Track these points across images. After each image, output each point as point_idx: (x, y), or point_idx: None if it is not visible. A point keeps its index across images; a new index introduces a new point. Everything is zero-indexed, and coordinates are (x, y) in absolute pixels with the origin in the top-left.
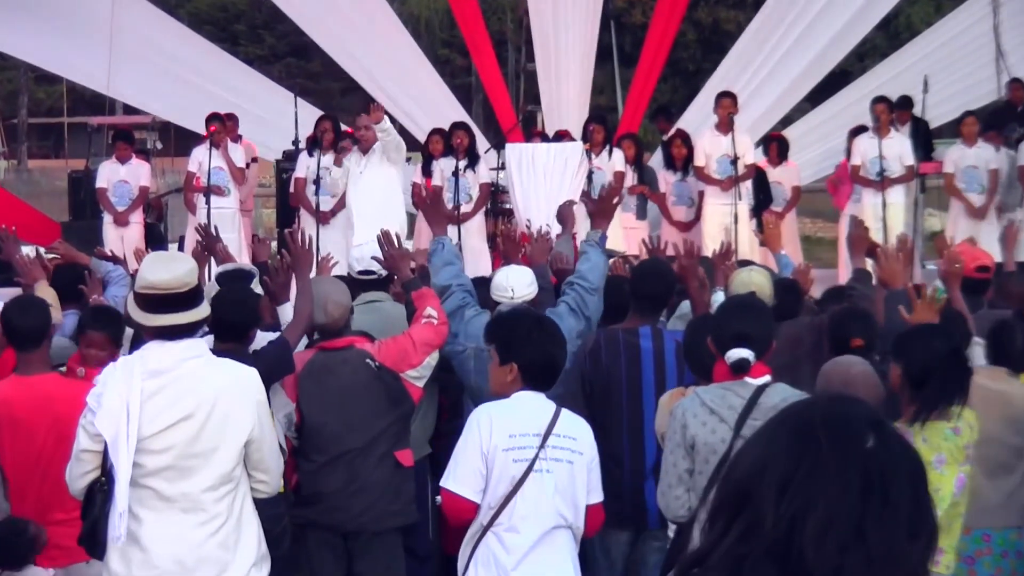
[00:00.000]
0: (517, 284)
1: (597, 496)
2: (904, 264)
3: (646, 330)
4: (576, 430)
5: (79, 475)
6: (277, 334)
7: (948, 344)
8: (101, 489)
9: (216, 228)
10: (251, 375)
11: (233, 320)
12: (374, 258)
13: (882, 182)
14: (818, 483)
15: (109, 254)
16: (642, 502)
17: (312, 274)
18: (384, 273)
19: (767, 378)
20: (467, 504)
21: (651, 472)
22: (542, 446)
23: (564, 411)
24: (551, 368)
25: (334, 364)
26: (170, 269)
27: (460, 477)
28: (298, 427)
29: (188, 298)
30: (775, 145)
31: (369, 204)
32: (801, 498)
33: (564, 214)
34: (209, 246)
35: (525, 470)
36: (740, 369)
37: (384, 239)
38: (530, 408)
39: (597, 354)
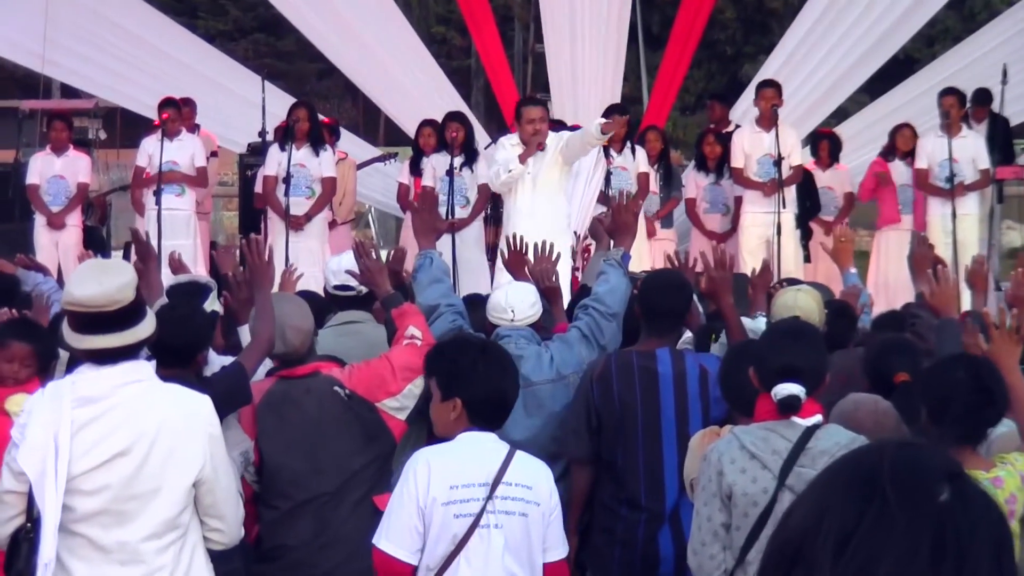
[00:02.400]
0: (518, 304)
1: (558, 552)
2: (980, 290)
3: (664, 353)
4: (532, 476)
5: (2, 521)
6: (232, 359)
7: (972, 373)
8: (27, 537)
9: (148, 233)
10: (202, 404)
11: (174, 343)
12: (348, 272)
13: (952, 190)
14: (882, 541)
15: (32, 263)
16: (655, 552)
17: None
18: (364, 290)
19: (818, 418)
20: (402, 566)
21: (669, 518)
22: (490, 497)
23: (519, 454)
24: (500, 404)
25: (297, 394)
26: (100, 283)
27: (394, 535)
28: (257, 469)
29: (123, 317)
30: (826, 144)
31: (545, 211)
32: (862, 558)
33: (597, 230)
34: (143, 257)
35: (469, 526)
36: (789, 408)
37: (359, 249)
38: (476, 452)
39: (607, 381)
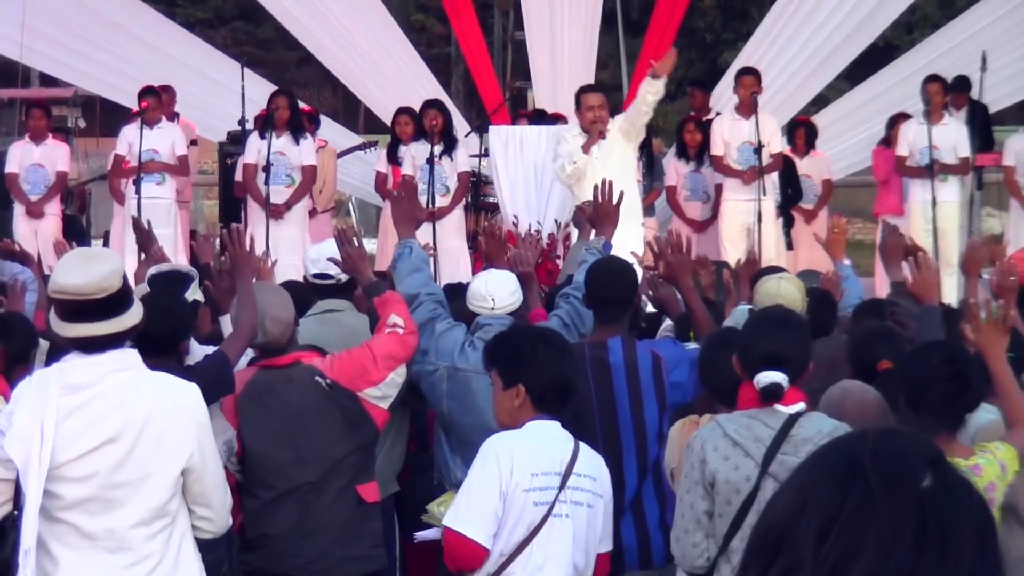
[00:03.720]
0: (498, 292)
1: (608, 544)
2: (974, 272)
3: (615, 343)
4: (597, 468)
5: None
6: (214, 348)
7: (947, 360)
8: (14, 525)
9: (149, 222)
10: (190, 392)
11: (156, 332)
12: (331, 259)
13: (932, 169)
14: (865, 526)
15: (16, 248)
16: (617, 541)
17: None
18: (345, 278)
19: (801, 406)
20: (479, 550)
21: (630, 507)
22: (562, 486)
23: (583, 446)
24: (563, 389)
25: (278, 384)
26: (86, 271)
27: (472, 518)
28: (240, 458)
29: (110, 305)
30: (801, 131)
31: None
32: (845, 543)
33: (580, 219)
34: (144, 245)
35: (544, 514)
36: (771, 396)
37: (342, 236)
38: (548, 441)
39: None
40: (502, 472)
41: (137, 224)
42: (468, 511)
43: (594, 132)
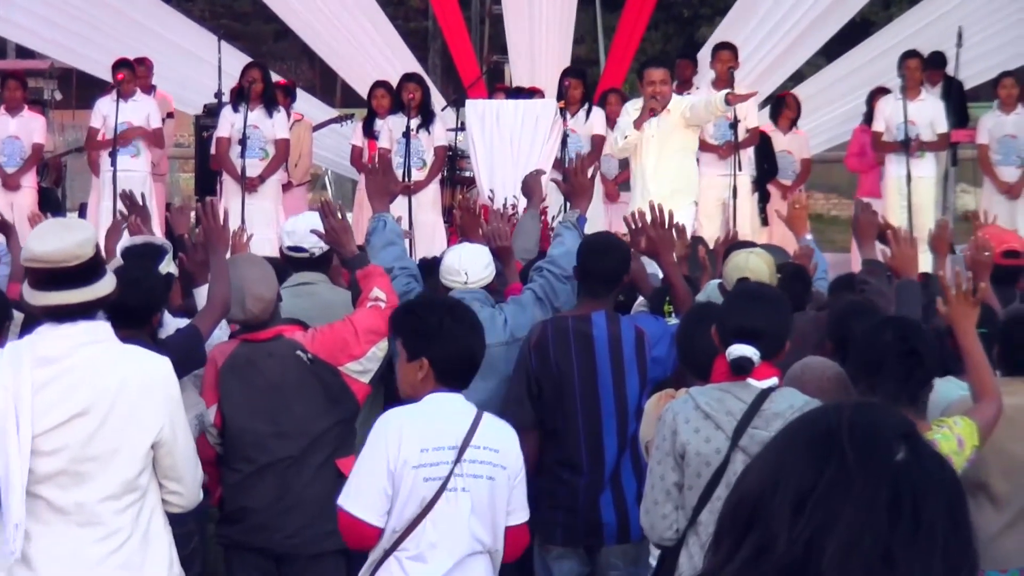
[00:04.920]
0: (471, 267)
1: (521, 516)
2: (942, 254)
3: (599, 316)
4: (499, 440)
5: None
6: (187, 321)
7: (899, 336)
8: None
9: (144, 196)
10: (161, 365)
11: (129, 303)
12: (314, 231)
13: (907, 144)
14: (840, 500)
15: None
16: (596, 516)
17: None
18: (319, 251)
19: (774, 381)
20: (370, 530)
21: (609, 481)
22: (458, 460)
23: (486, 416)
24: (468, 363)
25: (259, 358)
26: (60, 239)
27: (362, 498)
28: (220, 431)
29: (83, 273)
30: (785, 107)
31: (669, 173)
32: (820, 516)
33: (531, 186)
34: (132, 212)
35: (437, 490)
36: (740, 369)
37: (325, 209)
38: (446, 414)
39: (544, 348)
40: (389, 450)
41: (129, 197)
42: (357, 491)
43: (646, 108)
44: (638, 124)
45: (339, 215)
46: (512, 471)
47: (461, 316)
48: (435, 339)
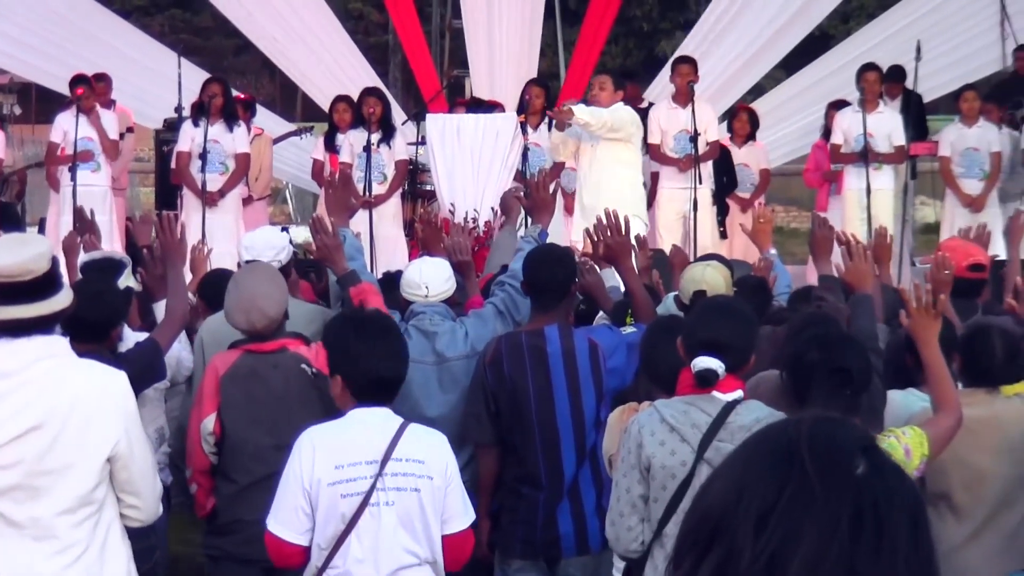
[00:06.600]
0: (432, 280)
1: (460, 522)
2: (884, 261)
3: (552, 330)
4: (424, 450)
5: None
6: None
7: (826, 356)
8: None
9: (92, 211)
10: (117, 379)
11: (88, 317)
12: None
13: (865, 155)
14: (802, 515)
15: None
16: (554, 528)
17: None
18: (277, 265)
19: (739, 394)
20: (290, 548)
21: (567, 494)
22: (379, 474)
23: (411, 427)
24: (377, 382)
25: (263, 369)
26: (15, 253)
27: (282, 517)
28: (218, 441)
29: (38, 287)
30: (744, 119)
31: (604, 182)
32: (783, 532)
33: (508, 203)
34: (84, 231)
35: (358, 506)
36: (705, 382)
37: (316, 225)
38: (364, 429)
39: (499, 364)
40: (304, 468)
41: (80, 214)
42: (276, 510)
43: (560, 113)
44: (559, 126)
45: (330, 231)
46: (441, 480)
47: (371, 334)
48: (344, 357)
